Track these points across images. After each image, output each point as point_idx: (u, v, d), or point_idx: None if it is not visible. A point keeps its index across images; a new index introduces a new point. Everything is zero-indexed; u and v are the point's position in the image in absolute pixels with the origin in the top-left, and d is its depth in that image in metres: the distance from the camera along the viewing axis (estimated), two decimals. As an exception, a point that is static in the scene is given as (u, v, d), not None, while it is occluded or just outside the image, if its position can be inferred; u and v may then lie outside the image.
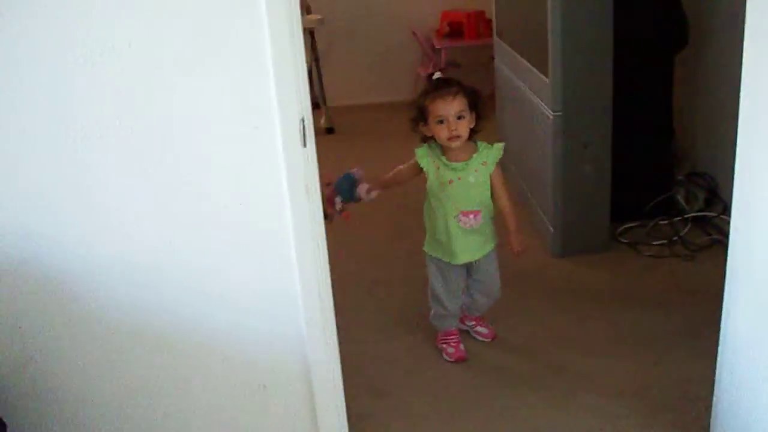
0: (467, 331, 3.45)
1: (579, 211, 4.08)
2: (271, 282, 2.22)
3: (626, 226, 4.38)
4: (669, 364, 3.18)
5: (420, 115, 3.03)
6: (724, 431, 2.54)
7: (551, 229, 4.16)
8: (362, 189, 3.10)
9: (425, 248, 3.23)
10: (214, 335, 2.28)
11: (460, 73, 3.06)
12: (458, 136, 2.97)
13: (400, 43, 7.54)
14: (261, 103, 2.02)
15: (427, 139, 3.09)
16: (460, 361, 3.28)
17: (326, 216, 2.81)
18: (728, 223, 3.96)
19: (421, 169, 3.10)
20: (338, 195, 3.06)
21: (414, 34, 7.38)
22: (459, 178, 3.04)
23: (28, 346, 2.27)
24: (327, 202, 2.97)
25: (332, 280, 2.39)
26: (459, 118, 2.96)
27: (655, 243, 4.22)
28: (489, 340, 3.44)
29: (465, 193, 3.06)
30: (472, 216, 3.06)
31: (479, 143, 3.09)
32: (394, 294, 3.89)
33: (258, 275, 2.21)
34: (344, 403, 2.51)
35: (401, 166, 3.17)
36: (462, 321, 3.43)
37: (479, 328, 3.45)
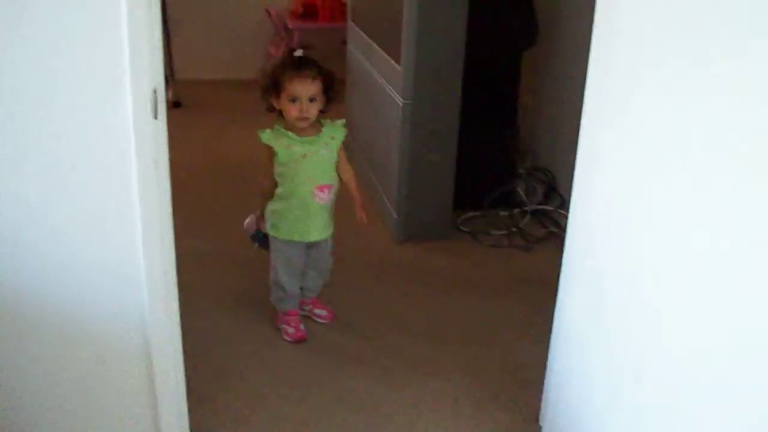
0: (306, 315, 3.45)
1: (423, 199, 4.16)
2: (114, 255, 2.15)
3: (468, 215, 4.49)
4: (504, 349, 3.28)
5: (273, 87, 3.03)
6: (554, 414, 2.65)
7: (395, 215, 4.21)
8: (260, 225, 3.28)
9: (272, 233, 3.21)
10: (53, 306, 2.19)
11: (311, 55, 3.04)
12: (306, 118, 3.00)
13: (252, 20, 7.46)
14: (113, 71, 1.96)
15: (273, 109, 3.10)
16: (300, 341, 3.29)
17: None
18: (565, 216, 4.13)
19: (269, 149, 3.08)
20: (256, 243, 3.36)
21: (267, 12, 7.32)
22: (312, 152, 3.07)
23: None
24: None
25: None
26: (311, 100, 2.99)
27: (495, 233, 4.35)
28: (328, 321, 3.46)
29: (319, 166, 3.10)
30: (326, 190, 3.12)
31: (323, 120, 3.14)
32: (234, 271, 3.86)
33: (101, 248, 2.14)
34: (185, 383, 2.47)
35: (262, 164, 3.16)
36: (300, 306, 3.42)
37: (317, 310, 3.47)
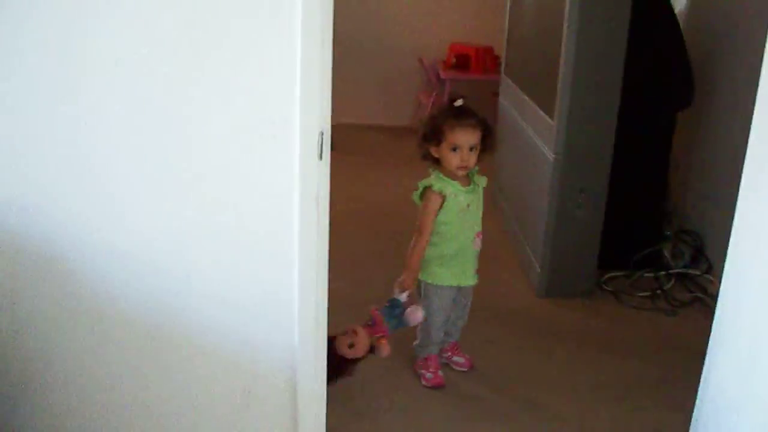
0: (444, 363, 3.47)
1: (568, 255, 4.13)
2: (270, 288, 2.24)
3: (611, 274, 4.42)
4: (642, 412, 3.21)
5: (433, 136, 3.08)
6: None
7: (538, 269, 4.20)
8: (412, 314, 3.03)
9: (430, 281, 3.22)
10: (206, 335, 2.29)
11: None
12: (467, 167, 3.05)
13: (405, 69, 7.61)
14: (283, 112, 2.05)
15: (429, 158, 3.14)
16: (437, 387, 3.31)
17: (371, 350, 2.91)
18: (711, 281, 4.08)
19: (442, 198, 3.09)
20: (387, 323, 3.01)
21: (420, 61, 7.45)
22: (473, 201, 3.15)
23: (17, 320, 2.29)
24: (374, 329, 2.99)
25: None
26: (471, 149, 3.03)
27: (638, 294, 4.27)
28: (466, 369, 3.46)
29: (478, 214, 3.19)
30: (480, 236, 3.21)
31: (478, 172, 3.20)
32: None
33: (258, 280, 2.23)
34: (325, 419, 2.52)
35: (426, 210, 3.11)
36: (439, 353, 3.44)
37: (456, 358, 3.48)
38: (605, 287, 4.33)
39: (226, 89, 2.06)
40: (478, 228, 3.19)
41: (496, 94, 5.77)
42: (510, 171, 5.02)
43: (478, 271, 3.31)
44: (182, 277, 2.23)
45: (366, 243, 4.77)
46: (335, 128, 2.21)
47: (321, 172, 2.14)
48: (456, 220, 3.13)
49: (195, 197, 2.15)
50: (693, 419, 2.60)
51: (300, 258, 2.18)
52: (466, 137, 3.02)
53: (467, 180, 3.14)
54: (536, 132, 4.33)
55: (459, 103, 3.12)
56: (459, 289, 3.27)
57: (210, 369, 2.35)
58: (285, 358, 2.32)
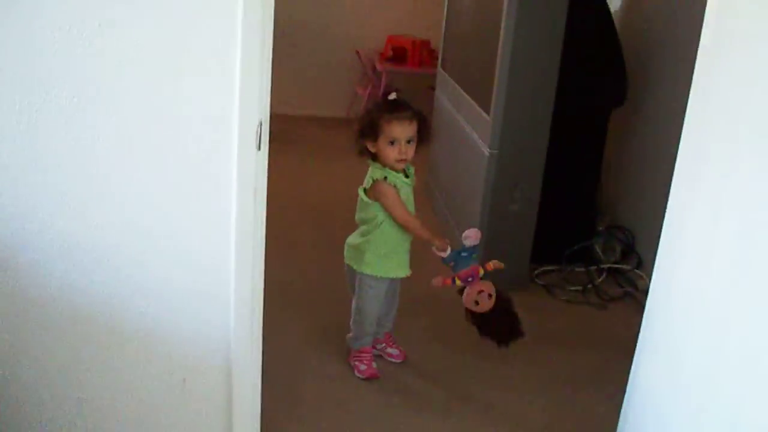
0: (378, 354, 3.48)
1: (501, 249, 4.13)
2: (206, 278, 2.22)
3: (544, 268, 4.49)
4: (575, 403, 3.27)
5: (370, 131, 3.08)
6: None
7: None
8: (473, 235, 3.17)
9: (373, 272, 3.23)
10: (143, 324, 2.26)
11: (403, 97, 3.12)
12: (405, 159, 3.06)
13: (342, 60, 7.60)
14: (223, 101, 2.04)
15: (366, 153, 3.14)
16: (371, 378, 3.33)
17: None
18: (642, 277, 4.15)
19: (395, 189, 3.11)
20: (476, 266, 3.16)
21: (357, 53, 7.45)
22: (409, 191, 3.17)
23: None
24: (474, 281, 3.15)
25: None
26: (409, 141, 3.04)
27: (570, 288, 4.34)
28: (400, 360, 3.49)
29: (412, 205, 3.20)
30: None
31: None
32: (313, 304, 3.92)
33: (195, 270, 2.21)
34: (260, 410, 2.52)
35: (393, 203, 3.12)
36: (373, 345, 3.46)
37: (390, 350, 3.50)
38: (538, 281, 4.39)
39: (165, 78, 2.04)
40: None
41: (432, 88, 5.79)
42: (444, 165, 5.05)
43: (411, 263, 3.32)
44: (122, 267, 2.21)
45: (303, 233, 4.77)
46: (272, 119, 2.20)
47: (259, 163, 2.13)
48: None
49: (137, 186, 2.12)
50: (622, 410, 2.65)
51: (236, 247, 2.17)
52: (402, 130, 3.03)
53: (404, 173, 3.16)
54: (472, 127, 4.36)
55: (393, 96, 3.14)
56: (391, 280, 3.28)
57: (147, 358, 2.33)
58: (221, 348, 2.31)
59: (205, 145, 2.09)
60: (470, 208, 4.28)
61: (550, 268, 4.50)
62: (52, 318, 2.24)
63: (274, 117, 2.22)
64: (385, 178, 3.08)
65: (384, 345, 3.49)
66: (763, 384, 1.87)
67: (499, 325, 3.18)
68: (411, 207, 3.18)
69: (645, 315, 2.53)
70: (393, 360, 3.48)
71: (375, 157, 3.12)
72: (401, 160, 3.07)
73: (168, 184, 2.13)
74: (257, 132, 2.08)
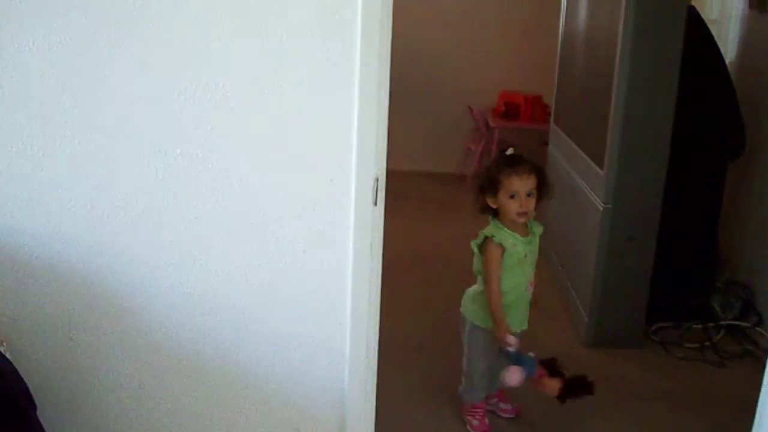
0: (491, 410, 3.48)
1: (616, 305, 4.13)
2: (323, 332, 2.29)
3: (660, 325, 4.40)
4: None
5: (490, 187, 3.10)
6: None
7: (586, 318, 4.20)
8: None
9: (478, 323, 3.25)
10: (259, 374, 2.34)
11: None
12: (526, 213, 3.08)
13: (455, 116, 7.66)
14: (341, 158, 2.11)
15: (487, 210, 3.16)
16: None
17: None
18: (762, 334, 4.04)
19: (502, 249, 3.12)
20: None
21: (470, 109, 7.50)
22: (530, 251, 3.18)
23: (76, 349, 2.35)
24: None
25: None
26: (529, 195, 3.06)
27: (687, 345, 4.24)
28: (512, 416, 3.48)
29: (533, 263, 3.21)
30: (533, 285, 3.23)
31: (536, 221, 3.23)
32: (427, 361, 3.94)
33: (312, 322, 2.28)
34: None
35: (490, 266, 3.15)
36: (486, 400, 3.46)
37: (502, 404, 3.50)
38: (653, 338, 4.30)
39: (288, 134, 2.12)
40: (532, 277, 3.21)
41: (545, 143, 5.79)
42: (559, 220, 5.03)
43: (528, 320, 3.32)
44: (240, 319, 2.28)
45: (416, 288, 4.80)
46: (388, 175, 2.26)
47: (375, 218, 2.19)
48: (513, 270, 3.15)
49: (259, 242, 2.21)
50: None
51: (353, 303, 2.23)
52: (522, 183, 3.05)
53: (525, 229, 3.17)
54: (585, 181, 4.35)
55: (510, 151, 3.17)
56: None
57: (261, 410, 2.39)
58: (335, 399, 2.35)
59: (324, 200, 2.16)
60: (585, 265, 4.25)
61: (666, 324, 4.41)
62: (164, 364, 2.33)
63: (390, 173, 2.27)
64: (493, 236, 3.09)
65: (496, 400, 3.48)
66: None
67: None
68: (528, 267, 3.18)
69: (766, 374, 2.47)
70: (505, 416, 3.47)
71: (496, 213, 3.14)
72: (522, 213, 3.07)
73: (289, 238, 2.20)
74: (373, 187, 2.13)
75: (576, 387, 3.14)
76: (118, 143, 2.13)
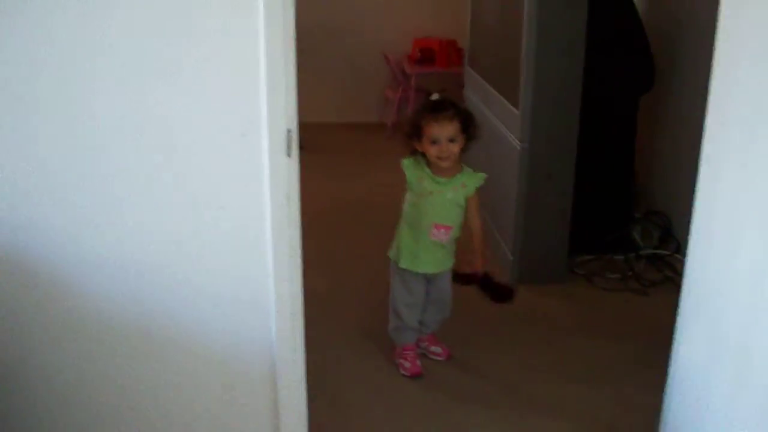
0: (423, 354, 3.52)
1: (538, 241, 4.19)
2: (245, 286, 2.27)
3: (582, 258, 4.49)
4: (619, 392, 3.28)
5: (414, 133, 3.15)
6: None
7: (510, 257, 4.26)
8: None
9: (392, 257, 3.34)
10: (187, 334, 2.32)
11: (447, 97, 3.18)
12: (447, 157, 3.11)
13: (371, 66, 7.64)
14: (250, 112, 2.09)
15: (416, 154, 3.21)
16: (415, 376, 3.37)
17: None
18: (681, 261, 4.14)
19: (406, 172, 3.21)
20: None
21: (385, 57, 7.48)
22: (439, 192, 3.19)
23: (25, 337, 2.32)
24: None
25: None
26: (451, 140, 3.09)
27: (610, 277, 4.34)
28: (443, 358, 3.52)
29: (442, 207, 3.21)
30: (443, 231, 3.21)
31: (465, 168, 3.25)
32: (354, 308, 3.97)
33: (234, 278, 2.27)
34: (306, 411, 2.56)
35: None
36: (417, 344, 3.50)
37: (433, 348, 3.54)
38: (577, 271, 4.39)
39: (194, 90, 2.09)
40: (439, 221, 3.21)
41: (463, 87, 5.81)
42: (477, 162, 5.04)
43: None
44: (164, 278, 2.26)
45: (339, 240, 4.81)
46: (303, 127, 2.25)
47: (290, 170, 2.18)
48: (415, 203, 3.22)
49: (176, 198, 2.18)
50: (665, 394, 2.66)
51: (274, 255, 2.22)
52: (442, 129, 3.09)
53: (449, 174, 3.20)
54: (502, 121, 4.39)
55: (435, 96, 3.21)
56: (427, 278, 3.33)
57: (191, 366, 2.38)
58: (263, 352, 2.35)
59: (238, 156, 2.14)
60: (506, 205, 4.30)
61: (588, 258, 4.51)
62: (99, 333, 2.31)
63: (304, 126, 2.27)
64: (405, 164, 3.20)
65: (427, 344, 3.53)
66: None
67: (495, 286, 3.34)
68: (437, 208, 3.21)
69: (681, 298, 2.54)
70: (437, 358, 3.52)
71: (424, 156, 3.19)
72: (443, 158, 3.11)
73: (205, 196, 2.18)
74: (286, 139, 2.13)
75: (496, 286, 3.33)
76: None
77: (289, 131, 2.13)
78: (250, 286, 2.28)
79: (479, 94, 5.09)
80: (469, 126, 3.17)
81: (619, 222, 4.62)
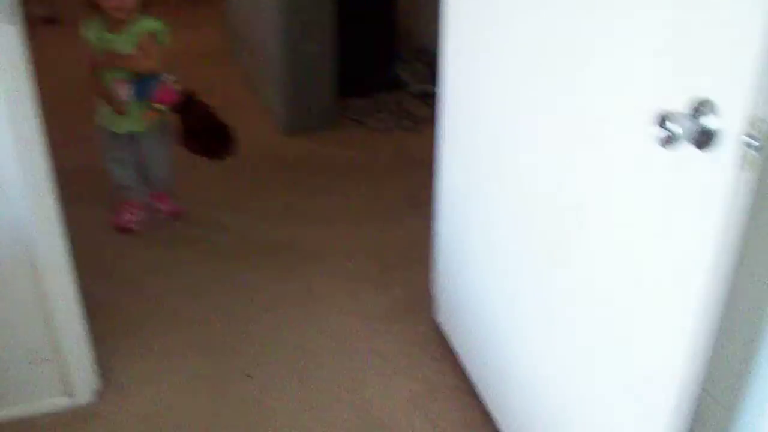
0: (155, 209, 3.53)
1: (305, 89, 4.17)
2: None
3: (353, 102, 4.51)
4: (397, 229, 3.38)
5: None
6: (444, 280, 2.74)
7: (281, 108, 4.22)
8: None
9: (97, 118, 3.25)
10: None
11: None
12: (122, 8, 3.02)
13: None
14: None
15: (93, 6, 3.05)
16: (119, 229, 3.38)
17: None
18: (447, 97, 4.21)
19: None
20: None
21: None
22: (112, 48, 3.09)
23: None
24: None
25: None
26: None
27: (381, 117, 4.39)
28: (170, 216, 3.51)
29: (117, 61, 3.12)
30: (125, 86, 3.12)
31: (145, 18, 3.11)
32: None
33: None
34: (77, 293, 2.46)
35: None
36: (148, 202, 3.50)
37: (162, 206, 3.52)
38: (349, 115, 4.41)
39: None
40: (118, 75, 3.12)
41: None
42: (241, 18, 4.94)
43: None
44: None
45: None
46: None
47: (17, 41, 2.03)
48: (99, 62, 3.13)
49: None
50: (434, 224, 2.74)
51: (14, 132, 2.09)
52: None
53: (123, 26, 3.08)
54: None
55: None
56: (134, 139, 3.27)
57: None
58: (23, 240, 2.24)
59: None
60: (270, 56, 4.22)
61: (359, 101, 4.53)
62: None
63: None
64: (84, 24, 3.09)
65: (155, 202, 3.52)
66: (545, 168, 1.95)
67: (211, 137, 3.27)
68: (117, 66, 3.12)
69: (438, 130, 2.60)
70: (167, 216, 3.52)
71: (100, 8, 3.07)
72: (118, 9, 3.01)
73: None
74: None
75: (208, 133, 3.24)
76: None
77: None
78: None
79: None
80: None
81: (387, 62, 4.65)
